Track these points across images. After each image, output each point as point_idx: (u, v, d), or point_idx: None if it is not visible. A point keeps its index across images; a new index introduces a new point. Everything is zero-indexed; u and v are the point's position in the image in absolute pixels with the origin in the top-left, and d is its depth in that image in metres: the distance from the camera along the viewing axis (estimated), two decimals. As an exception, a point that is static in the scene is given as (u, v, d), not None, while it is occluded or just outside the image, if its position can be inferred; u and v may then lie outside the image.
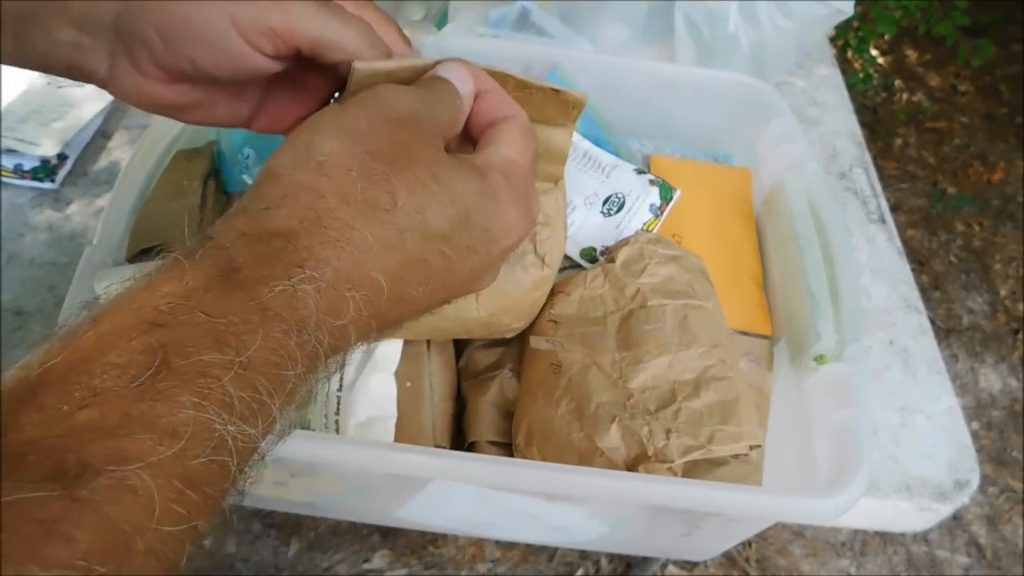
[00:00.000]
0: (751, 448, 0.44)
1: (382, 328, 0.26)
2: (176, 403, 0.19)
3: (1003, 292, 1.71)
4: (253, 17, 0.29)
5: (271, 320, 0.22)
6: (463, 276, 0.29)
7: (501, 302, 0.45)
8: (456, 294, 0.30)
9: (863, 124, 0.89)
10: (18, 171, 0.68)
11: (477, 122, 0.33)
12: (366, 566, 1.17)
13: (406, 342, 0.50)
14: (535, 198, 0.33)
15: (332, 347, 0.24)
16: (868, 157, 0.83)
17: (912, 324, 0.67)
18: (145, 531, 0.17)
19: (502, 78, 0.35)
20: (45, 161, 0.69)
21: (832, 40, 1.64)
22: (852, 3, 0.75)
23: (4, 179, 0.69)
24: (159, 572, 0.18)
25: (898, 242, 0.73)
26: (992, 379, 1.54)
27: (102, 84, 0.32)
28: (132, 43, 0.30)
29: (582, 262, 0.57)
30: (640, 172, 0.59)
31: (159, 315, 0.20)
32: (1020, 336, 1.62)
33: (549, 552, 1.20)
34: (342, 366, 0.49)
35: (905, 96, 2.16)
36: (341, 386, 0.48)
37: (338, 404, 0.48)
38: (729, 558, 1.22)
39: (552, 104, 0.37)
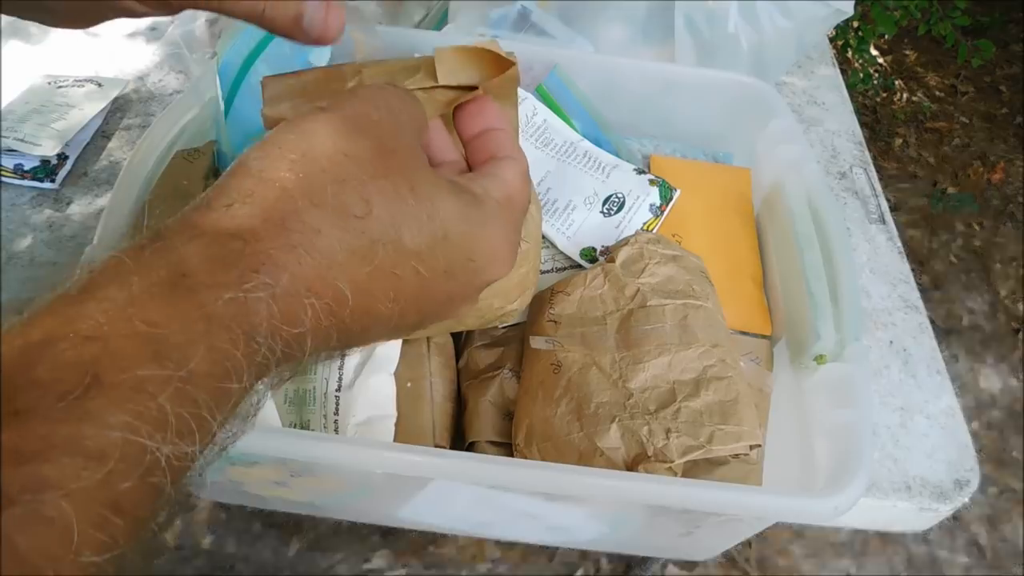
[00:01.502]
0: (751, 448, 0.44)
1: (345, 339, 0.24)
2: (105, 423, 0.18)
3: (1003, 292, 1.71)
4: None
5: (217, 330, 0.20)
6: (438, 301, 0.27)
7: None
8: (429, 319, 0.28)
9: (863, 124, 0.89)
10: (18, 171, 0.68)
11: (476, 157, 0.32)
12: (366, 566, 1.17)
13: (406, 342, 0.51)
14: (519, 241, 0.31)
15: (285, 355, 0.22)
16: (868, 157, 0.83)
17: (912, 324, 0.67)
18: (61, 562, 0.16)
19: (414, 65, 0.33)
20: (45, 161, 0.69)
21: (832, 40, 1.64)
22: (852, 3, 0.75)
23: (4, 179, 0.69)
24: None
25: (898, 242, 0.73)
26: (992, 379, 1.54)
27: None
28: None
29: (582, 262, 0.57)
30: (640, 172, 0.59)
31: (94, 325, 0.19)
32: (1020, 336, 1.62)
33: (549, 552, 1.20)
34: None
35: (905, 96, 2.16)
36: (340, 386, 0.48)
37: (337, 404, 0.48)
38: (729, 558, 1.22)
39: (487, 66, 0.34)
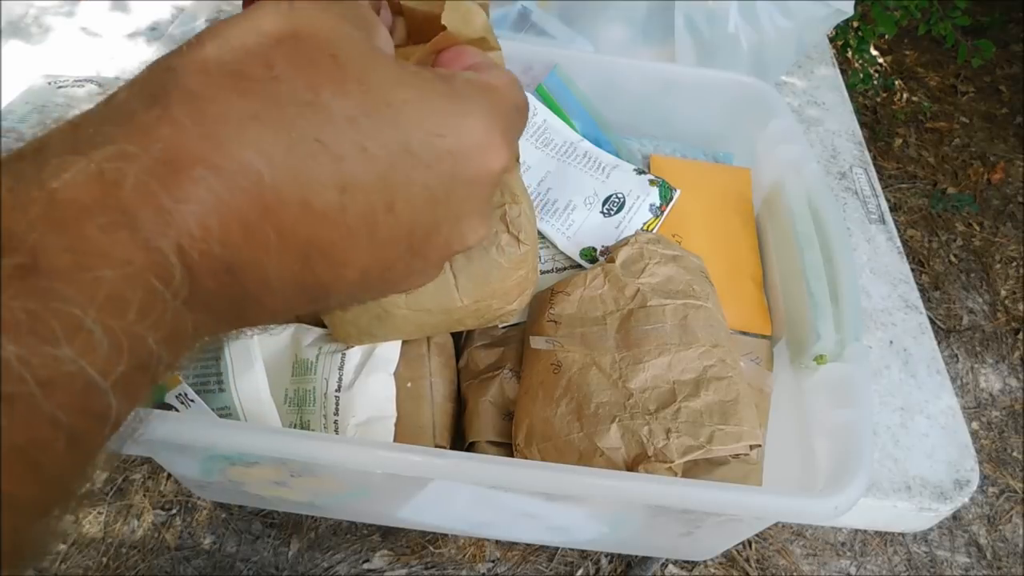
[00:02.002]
0: (751, 448, 0.44)
1: (289, 243, 0.20)
2: None
3: (1003, 292, 1.71)
4: None
5: (73, 211, 0.17)
6: (409, 195, 0.21)
7: (484, 287, 0.45)
8: (412, 228, 0.22)
9: (863, 124, 0.89)
10: (18, 171, 0.68)
11: None
12: (366, 566, 1.17)
13: (406, 342, 0.51)
14: (516, 142, 0.26)
15: (200, 253, 0.18)
16: (868, 157, 0.83)
17: (912, 324, 0.67)
18: None
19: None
20: (45, 161, 0.69)
21: (832, 40, 1.64)
22: (852, 3, 0.75)
23: (4, 179, 0.69)
24: None
25: (898, 242, 0.74)
26: (992, 379, 1.54)
27: None
28: None
29: (582, 262, 0.57)
30: (640, 172, 0.59)
31: None
32: (1020, 336, 1.62)
33: (549, 552, 1.20)
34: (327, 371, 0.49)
35: (905, 96, 2.16)
36: (340, 386, 0.48)
37: (337, 404, 0.48)
38: (729, 558, 1.22)
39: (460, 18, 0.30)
